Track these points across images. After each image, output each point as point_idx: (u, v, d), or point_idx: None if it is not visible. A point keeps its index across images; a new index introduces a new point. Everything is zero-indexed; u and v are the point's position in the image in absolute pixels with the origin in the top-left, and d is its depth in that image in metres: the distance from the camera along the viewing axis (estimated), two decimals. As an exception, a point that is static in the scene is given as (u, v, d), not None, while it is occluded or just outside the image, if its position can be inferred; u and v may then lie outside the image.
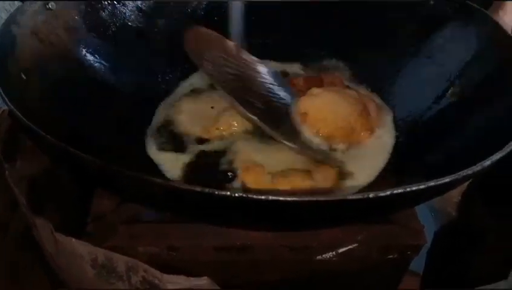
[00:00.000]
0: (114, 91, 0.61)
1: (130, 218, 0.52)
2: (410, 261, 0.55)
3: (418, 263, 0.63)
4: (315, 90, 0.60)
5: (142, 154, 0.58)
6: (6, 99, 0.40)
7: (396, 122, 0.62)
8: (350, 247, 0.52)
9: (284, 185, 0.52)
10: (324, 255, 0.52)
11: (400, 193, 0.33)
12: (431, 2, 0.63)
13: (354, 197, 0.34)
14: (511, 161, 0.39)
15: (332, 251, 0.52)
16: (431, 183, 0.34)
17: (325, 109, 0.59)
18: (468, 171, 0.36)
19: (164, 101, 0.67)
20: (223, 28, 0.68)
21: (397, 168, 0.56)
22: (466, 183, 0.62)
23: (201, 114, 0.63)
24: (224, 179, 0.55)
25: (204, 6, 0.73)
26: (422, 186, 0.34)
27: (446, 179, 0.35)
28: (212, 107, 0.64)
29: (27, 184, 0.43)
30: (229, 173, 0.55)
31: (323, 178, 0.53)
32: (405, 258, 0.54)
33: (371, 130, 0.60)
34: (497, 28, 0.56)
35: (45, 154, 0.47)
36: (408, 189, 0.33)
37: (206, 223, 0.51)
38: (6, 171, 0.40)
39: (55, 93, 0.52)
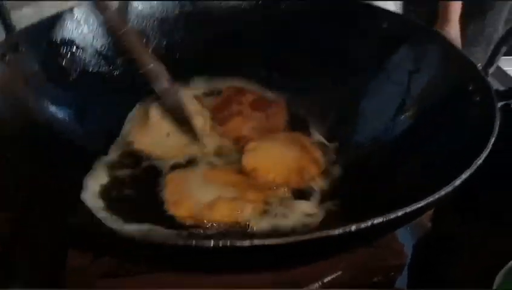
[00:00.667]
0: (80, 138, 0.60)
1: (107, 272, 0.50)
2: (394, 281, 0.55)
3: (401, 280, 0.64)
4: (252, 145, 0.63)
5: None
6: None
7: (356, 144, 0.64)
8: (334, 276, 0.51)
9: (212, 216, 0.53)
10: (310, 287, 0.51)
11: (381, 222, 0.33)
12: (384, 26, 0.65)
13: (336, 232, 0.33)
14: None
15: (318, 281, 0.51)
16: (409, 209, 0.34)
17: (271, 158, 0.61)
18: (437, 195, 0.36)
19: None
20: (185, 64, 0.69)
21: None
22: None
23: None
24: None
25: (164, 44, 0.73)
26: (400, 213, 0.34)
27: (422, 203, 0.35)
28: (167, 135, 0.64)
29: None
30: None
31: (250, 202, 0.55)
32: (389, 280, 0.54)
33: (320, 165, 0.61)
34: (449, 46, 0.59)
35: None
36: (388, 217, 0.34)
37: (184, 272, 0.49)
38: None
39: (18, 144, 0.50)
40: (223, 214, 0.54)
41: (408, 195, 0.38)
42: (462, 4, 0.98)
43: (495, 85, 0.53)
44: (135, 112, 0.68)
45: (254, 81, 0.74)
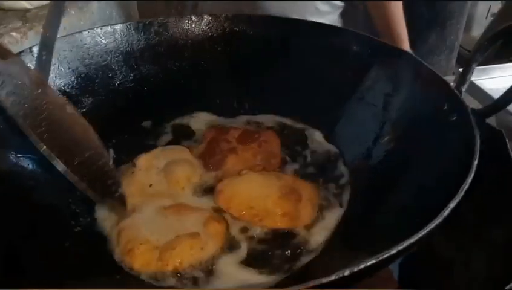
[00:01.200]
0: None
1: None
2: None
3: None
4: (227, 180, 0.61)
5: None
6: None
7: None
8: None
9: (174, 259, 0.50)
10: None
11: (374, 263, 0.32)
12: (355, 48, 0.64)
13: (329, 278, 0.32)
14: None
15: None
16: (400, 247, 0.33)
17: (244, 189, 0.59)
18: (427, 228, 0.35)
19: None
20: (153, 99, 0.67)
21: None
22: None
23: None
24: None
25: (131, 78, 0.71)
26: (392, 252, 0.32)
27: (414, 239, 0.34)
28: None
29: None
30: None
31: (212, 236, 0.53)
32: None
33: (292, 217, 0.56)
34: (420, 65, 0.58)
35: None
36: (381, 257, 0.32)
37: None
38: None
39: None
40: (184, 253, 0.51)
41: (395, 227, 0.37)
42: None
43: (470, 101, 0.52)
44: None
45: (225, 113, 0.73)
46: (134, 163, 0.62)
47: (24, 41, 1.12)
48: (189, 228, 0.53)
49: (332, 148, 0.66)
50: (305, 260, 0.51)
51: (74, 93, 0.65)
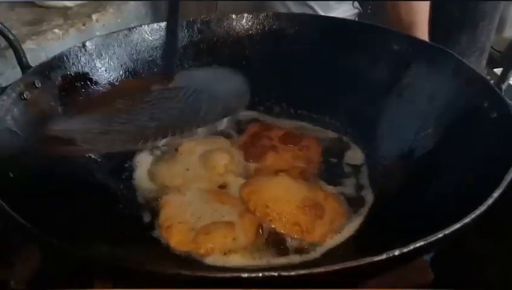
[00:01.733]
0: (98, 168, 0.61)
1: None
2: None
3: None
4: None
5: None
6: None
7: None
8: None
9: (205, 243, 0.53)
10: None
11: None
12: (395, 48, 0.66)
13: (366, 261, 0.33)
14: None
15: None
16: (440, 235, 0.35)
17: (268, 188, 0.61)
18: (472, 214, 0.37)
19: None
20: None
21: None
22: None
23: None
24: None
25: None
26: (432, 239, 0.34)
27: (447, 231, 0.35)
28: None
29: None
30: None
31: (245, 229, 0.55)
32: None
33: (303, 229, 0.57)
34: (460, 63, 0.60)
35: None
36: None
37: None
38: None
39: (43, 185, 0.50)
40: (216, 241, 0.53)
41: (439, 217, 0.38)
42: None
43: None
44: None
45: (267, 113, 0.75)
46: (177, 148, 0.66)
47: (66, 37, 1.16)
48: (226, 217, 0.56)
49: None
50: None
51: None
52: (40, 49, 1.09)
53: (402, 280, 0.52)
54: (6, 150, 0.49)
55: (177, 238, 0.54)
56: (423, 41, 0.65)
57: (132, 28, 0.70)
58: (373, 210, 0.59)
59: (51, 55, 0.63)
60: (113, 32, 0.69)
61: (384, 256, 0.33)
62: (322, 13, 1.00)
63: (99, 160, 0.62)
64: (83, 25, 1.22)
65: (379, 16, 1.11)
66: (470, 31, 1.44)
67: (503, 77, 0.53)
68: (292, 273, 0.33)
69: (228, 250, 0.54)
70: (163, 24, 0.73)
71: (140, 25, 0.71)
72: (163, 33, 0.73)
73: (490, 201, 0.37)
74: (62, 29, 1.18)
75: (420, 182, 0.55)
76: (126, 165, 0.66)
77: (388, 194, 0.60)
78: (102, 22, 1.27)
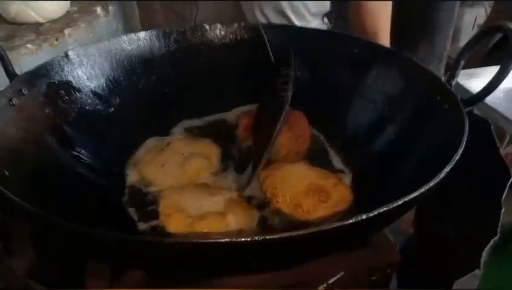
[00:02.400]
0: (86, 168, 0.64)
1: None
2: (390, 279, 0.61)
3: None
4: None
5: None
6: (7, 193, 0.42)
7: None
8: (338, 276, 0.56)
9: (201, 227, 0.57)
10: (318, 288, 0.56)
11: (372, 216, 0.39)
12: (356, 51, 0.73)
13: (329, 226, 0.38)
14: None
15: (323, 283, 0.56)
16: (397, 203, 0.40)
17: (281, 173, 0.66)
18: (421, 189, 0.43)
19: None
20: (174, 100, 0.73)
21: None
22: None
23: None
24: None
25: (154, 78, 0.78)
26: (385, 209, 0.40)
27: (402, 200, 0.41)
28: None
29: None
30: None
31: (237, 220, 0.59)
32: (386, 277, 0.59)
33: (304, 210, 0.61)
34: (414, 64, 0.66)
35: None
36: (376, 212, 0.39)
37: (204, 279, 0.53)
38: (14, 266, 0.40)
39: (36, 182, 0.53)
40: (211, 225, 0.57)
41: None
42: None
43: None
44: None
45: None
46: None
47: (39, 52, 1.18)
48: (217, 207, 0.60)
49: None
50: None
51: (103, 94, 0.72)
52: (14, 64, 1.11)
53: (369, 259, 0.58)
54: (2, 151, 0.52)
55: (175, 225, 0.58)
56: (380, 45, 0.72)
57: (111, 38, 0.74)
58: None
59: (25, 69, 0.66)
60: (94, 43, 0.73)
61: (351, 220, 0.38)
62: (298, 25, 1.07)
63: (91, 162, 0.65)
64: (56, 40, 1.25)
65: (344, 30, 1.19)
66: (427, 40, 1.54)
67: (452, 75, 0.60)
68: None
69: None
70: (141, 34, 0.77)
71: (119, 36, 0.75)
72: (140, 43, 0.77)
73: (442, 174, 0.44)
74: (35, 44, 1.20)
75: (387, 166, 0.62)
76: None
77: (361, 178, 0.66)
78: (74, 36, 1.30)
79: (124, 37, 0.75)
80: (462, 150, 0.47)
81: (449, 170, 0.45)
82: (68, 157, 0.63)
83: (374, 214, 0.38)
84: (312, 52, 0.76)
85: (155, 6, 1.40)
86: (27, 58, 1.17)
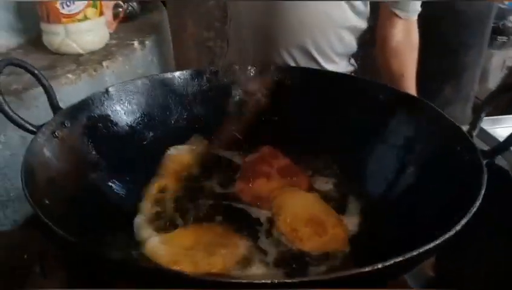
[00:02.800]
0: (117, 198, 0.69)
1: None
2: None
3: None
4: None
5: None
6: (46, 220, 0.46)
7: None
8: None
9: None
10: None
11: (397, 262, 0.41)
12: (381, 98, 0.75)
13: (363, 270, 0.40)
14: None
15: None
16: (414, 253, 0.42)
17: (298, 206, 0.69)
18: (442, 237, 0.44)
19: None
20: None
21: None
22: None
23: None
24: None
25: (185, 116, 0.82)
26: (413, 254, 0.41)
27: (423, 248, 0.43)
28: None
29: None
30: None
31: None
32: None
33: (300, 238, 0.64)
34: (437, 113, 0.69)
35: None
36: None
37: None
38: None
39: (74, 210, 0.57)
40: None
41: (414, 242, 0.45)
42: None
43: (480, 144, 0.62)
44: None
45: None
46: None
47: (78, 82, 1.25)
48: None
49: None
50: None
51: (138, 128, 0.77)
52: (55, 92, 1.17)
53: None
54: (42, 181, 0.56)
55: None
56: (404, 93, 0.74)
57: (147, 76, 0.79)
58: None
59: (65, 97, 0.71)
60: (132, 80, 0.78)
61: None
62: (325, 66, 1.10)
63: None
64: (95, 70, 1.32)
65: (370, 73, 1.23)
66: (455, 82, 1.55)
67: (474, 125, 0.62)
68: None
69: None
70: (177, 73, 0.82)
71: (155, 74, 0.80)
72: (175, 81, 0.82)
73: (458, 227, 0.45)
74: (75, 74, 1.27)
75: (401, 212, 0.64)
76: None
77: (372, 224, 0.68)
78: (112, 68, 1.36)
79: (161, 75, 0.80)
80: (478, 203, 0.49)
81: (466, 223, 0.46)
82: (102, 187, 0.66)
83: (387, 264, 0.40)
84: (335, 96, 0.80)
85: (189, 42, 1.47)
86: (67, 87, 1.24)
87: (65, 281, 0.52)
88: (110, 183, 0.68)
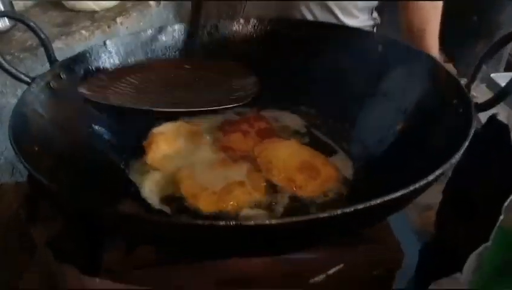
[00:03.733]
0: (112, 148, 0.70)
1: (137, 265, 0.57)
2: (393, 277, 0.61)
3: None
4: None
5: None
6: (29, 167, 0.47)
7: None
8: (337, 268, 0.58)
9: (230, 200, 0.62)
10: (315, 279, 0.58)
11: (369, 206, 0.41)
12: (380, 49, 0.73)
13: (326, 215, 0.41)
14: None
15: (322, 273, 0.58)
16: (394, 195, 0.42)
17: (275, 149, 0.70)
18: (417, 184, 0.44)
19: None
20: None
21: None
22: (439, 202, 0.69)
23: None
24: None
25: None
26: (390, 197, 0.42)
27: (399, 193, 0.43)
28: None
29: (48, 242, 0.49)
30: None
31: (254, 184, 0.64)
32: (388, 274, 0.60)
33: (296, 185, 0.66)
34: (437, 65, 0.66)
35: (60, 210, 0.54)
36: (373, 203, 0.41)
37: (207, 260, 0.57)
38: (32, 231, 0.46)
39: (62, 160, 0.59)
40: (238, 197, 0.62)
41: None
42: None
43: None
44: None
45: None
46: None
47: (92, 38, 1.27)
48: (235, 178, 0.65)
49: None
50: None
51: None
52: (68, 49, 1.20)
53: (371, 254, 0.59)
54: (33, 128, 0.58)
55: (204, 203, 0.62)
56: (405, 44, 0.71)
57: (148, 29, 0.79)
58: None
59: None
60: (131, 33, 0.78)
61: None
62: (344, 20, 1.07)
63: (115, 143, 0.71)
64: (108, 27, 1.33)
65: (392, 26, 1.18)
66: (486, 40, 1.48)
67: (473, 78, 0.60)
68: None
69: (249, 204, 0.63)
70: (176, 26, 0.81)
71: (155, 28, 0.80)
72: (175, 34, 0.81)
73: (453, 160, 0.47)
74: (89, 30, 1.28)
75: (396, 158, 0.64)
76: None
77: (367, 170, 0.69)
78: (126, 24, 1.37)
79: (160, 28, 0.80)
80: (459, 155, 0.47)
81: (440, 175, 0.45)
82: (96, 137, 0.68)
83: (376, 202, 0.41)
84: (331, 47, 0.78)
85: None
86: (81, 43, 1.26)
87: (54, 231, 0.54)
88: (105, 136, 0.69)
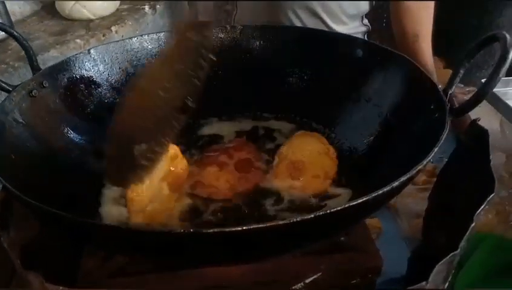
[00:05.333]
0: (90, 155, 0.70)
1: (115, 272, 0.57)
2: (373, 286, 0.61)
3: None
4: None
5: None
6: (1, 178, 0.47)
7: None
8: (315, 276, 0.57)
9: None
10: (293, 287, 0.57)
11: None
12: (359, 54, 0.73)
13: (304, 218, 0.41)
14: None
15: (300, 282, 0.57)
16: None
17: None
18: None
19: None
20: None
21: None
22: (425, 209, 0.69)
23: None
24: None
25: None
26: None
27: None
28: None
29: (20, 248, 0.49)
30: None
31: None
32: (367, 282, 0.60)
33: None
34: (417, 70, 0.66)
35: (35, 218, 0.54)
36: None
37: (183, 269, 0.56)
38: (1, 238, 0.46)
39: (40, 167, 0.59)
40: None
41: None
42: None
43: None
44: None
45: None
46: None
47: (86, 47, 1.28)
48: None
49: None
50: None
51: (122, 89, 0.77)
52: (62, 57, 1.20)
53: (350, 262, 0.58)
54: (11, 137, 0.58)
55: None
56: (385, 48, 0.71)
57: (133, 37, 0.79)
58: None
59: None
60: (116, 41, 0.78)
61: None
62: (334, 27, 1.07)
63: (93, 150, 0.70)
64: (103, 35, 1.34)
65: (384, 32, 1.17)
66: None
67: (451, 83, 0.59)
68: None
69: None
70: (162, 34, 0.81)
71: (141, 35, 0.80)
72: (161, 42, 0.82)
73: (404, 178, 0.46)
74: (83, 39, 1.29)
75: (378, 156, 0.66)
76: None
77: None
78: (121, 33, 1.38)
79: (146, 37, 0.80)
80: (429, 159, 0.47)
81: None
82: (78, 147, 0.68)
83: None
84: (313, 53, 0.78)
85: (207, 6, 1.45)
86: (75, 52, 1.26)
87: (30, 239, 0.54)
88: (82, 144, 0.70)
